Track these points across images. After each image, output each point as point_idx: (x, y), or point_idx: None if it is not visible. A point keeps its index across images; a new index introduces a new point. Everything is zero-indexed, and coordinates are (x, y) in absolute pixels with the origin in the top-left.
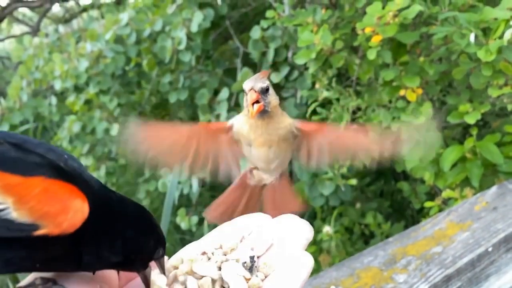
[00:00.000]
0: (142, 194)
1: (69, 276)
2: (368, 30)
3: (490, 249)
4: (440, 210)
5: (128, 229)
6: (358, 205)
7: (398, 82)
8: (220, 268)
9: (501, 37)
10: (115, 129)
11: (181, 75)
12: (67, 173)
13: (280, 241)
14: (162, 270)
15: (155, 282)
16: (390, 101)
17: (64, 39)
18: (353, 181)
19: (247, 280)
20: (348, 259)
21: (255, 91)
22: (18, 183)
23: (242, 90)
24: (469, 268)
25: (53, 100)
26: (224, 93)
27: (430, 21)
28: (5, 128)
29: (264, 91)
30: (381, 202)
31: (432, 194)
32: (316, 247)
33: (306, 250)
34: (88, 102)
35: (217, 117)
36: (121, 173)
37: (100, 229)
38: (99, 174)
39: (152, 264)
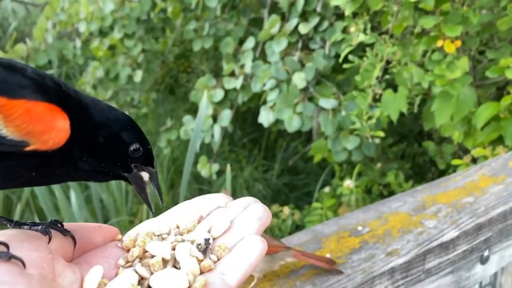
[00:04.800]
0: (163, 143)
1: (23, 241)
2: None
3: None
4: None
5: (102, 131)
6: (378, 165)
7: (436, 32)
8: (174, 248)
9: None
10: (138, 76)
11: (207, 23)
12: (49, 91)
13: (238, 224)
14: (155, 183)
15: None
16: (424, 55)
17: None
18: (381, 133)
19: (200, 261)
20: (375, 204)
21: None
22: (3, 104)
23: (270, 39)
24: (501, 220)
25: (78, 43)
26: (249, 43)
27: None
28: None
29: None
30: (402, 164)
31: (457, 157)
32: (335, 200)
33: (263, 233)
34: (112, 47)
35: (242, 67)
36: (143, 122)
37: (80, 138)
38: None
39: None
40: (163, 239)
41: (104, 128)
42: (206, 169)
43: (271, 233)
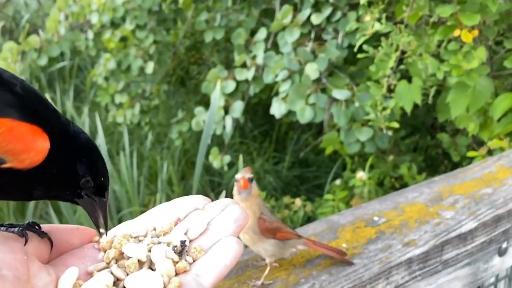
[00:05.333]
0: (175, 135)
1: None
2: None
3: None
4: None
5: (56, 160)
6: (391, 158)
7: (452, 21)
8: (150, 250)
9: None
10: (150, 67)
11: (218, 14)
12: (34, 111)
13: (215, 226)
14: (103, 212)
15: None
16: (439, 46)
17: None
18: (395, 124)
19: (175, 263)
20: (391, 194)
21: (246, 179)
22: None
23: (282, 29)
24: None
25: (90, 34)
26: (261, 33)
27: None
28: (44, 60)
29: (251, 180)
30: (415, 156)
31: (471, 149)
32: (347, 192)
33: (240, 235)
34: (123, 39)
35: (253, 58)
36: (155, 114)
37: (52, 164)
38: (134, 112)
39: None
40: (139, 241)
41: (59, 157)
42: (218, 160)
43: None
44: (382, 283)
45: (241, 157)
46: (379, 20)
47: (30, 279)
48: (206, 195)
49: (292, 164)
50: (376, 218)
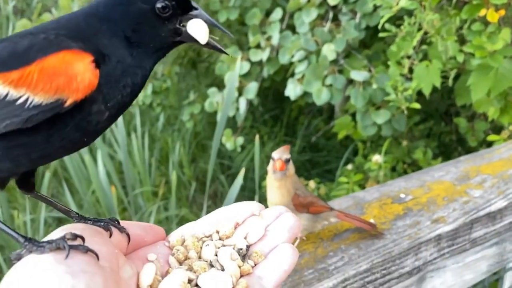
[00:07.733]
0: (186, 117)
1: (93, 236)
2: None
3: None
4: None
5: (114, 24)
6: (404, 143)
7: (479, 0)
8: (216, 253)
9: None
10: None
11: None
12: (63, 37)
13: (271, 232)
14: (203, 17)
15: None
16: (460, 28)
17: None
18: (417, 105)
19: (240, 265)
20: (417, 172)
21: (282, 161)
22: (19, 77)
23: (298, 10)
24: None
25: None
26: (276, 14)
27: None
28: None
29: (287, 161)
30: (428, 142)
31: (487, 135)
32: (362, 175)
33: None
34: None
35: (268, 39)
36: (165, 96)
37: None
38: (146, 93)
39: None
40: (203, 242)
41: (117, 20)
42: (231, 142)
43: None
44: (411, 258)
45: (257, 137)
46: None
47: (119, 271)
48: (217, 178)
49: (302, 148)
50: (402, 195)
